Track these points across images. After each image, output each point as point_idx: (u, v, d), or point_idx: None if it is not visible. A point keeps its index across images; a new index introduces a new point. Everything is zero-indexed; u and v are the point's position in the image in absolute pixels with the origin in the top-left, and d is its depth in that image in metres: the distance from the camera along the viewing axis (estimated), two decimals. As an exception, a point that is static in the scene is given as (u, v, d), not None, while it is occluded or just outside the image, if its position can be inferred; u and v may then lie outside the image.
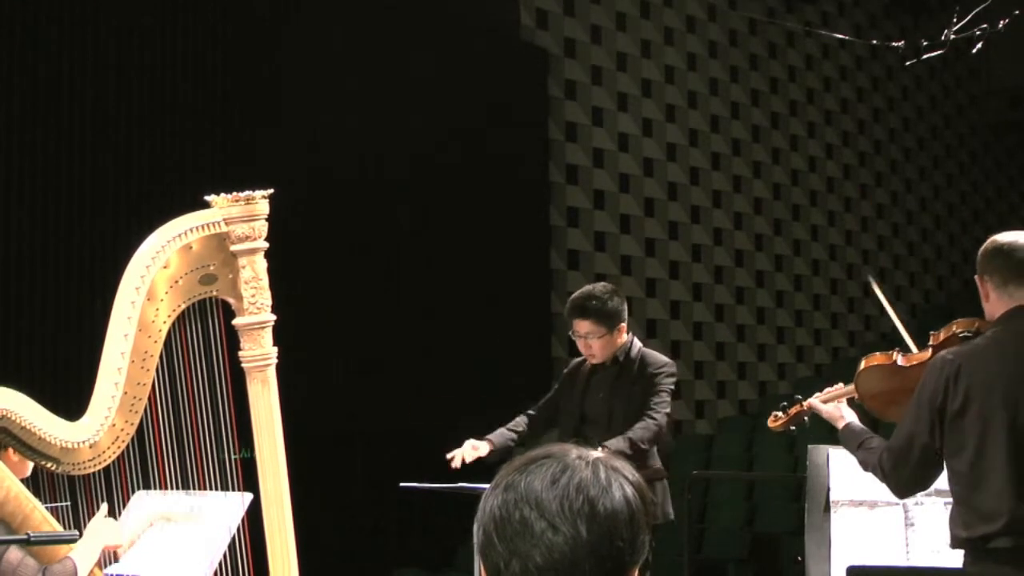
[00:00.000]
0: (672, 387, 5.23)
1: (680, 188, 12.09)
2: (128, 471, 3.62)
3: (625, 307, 5.27)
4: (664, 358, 5.32)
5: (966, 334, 3.74)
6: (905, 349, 4.00)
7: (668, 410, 5.17)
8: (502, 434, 5.37)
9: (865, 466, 3.80)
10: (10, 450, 3.53)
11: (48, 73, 7.35)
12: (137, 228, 3.62)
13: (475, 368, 9.02)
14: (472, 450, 5.24)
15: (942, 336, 3.83)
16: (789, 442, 10.52)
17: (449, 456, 5.27)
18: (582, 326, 5.19)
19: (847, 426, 3.94)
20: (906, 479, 3.64)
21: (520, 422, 5.43)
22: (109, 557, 3.74)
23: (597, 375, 5.31)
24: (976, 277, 3.68)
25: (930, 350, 3.83)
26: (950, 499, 3.91)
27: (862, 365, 3.98)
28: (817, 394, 4.18)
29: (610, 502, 1.60)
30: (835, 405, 4.06)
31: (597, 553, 1.58)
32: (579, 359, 5.44)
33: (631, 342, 5.27)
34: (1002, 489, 3.41)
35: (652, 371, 5.18)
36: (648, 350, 5.35)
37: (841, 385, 4.14)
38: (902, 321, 4.26)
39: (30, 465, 3.69)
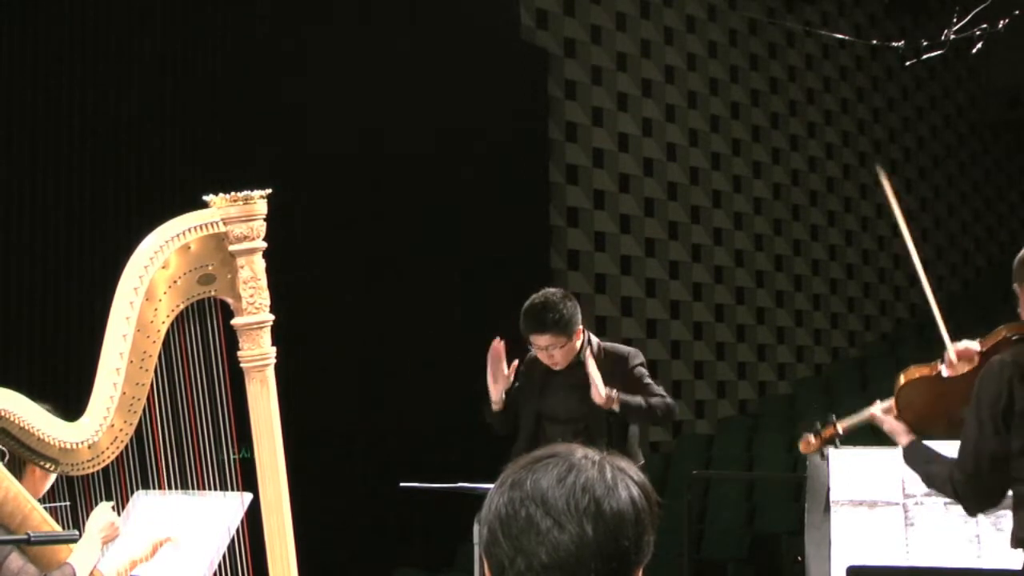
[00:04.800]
0: (647, 372, 5.22)
1: (680, 188, 12.09)
2: (127, 471, 3.61)
3: (579, 312, 5.16)
4: (627, 347, 5.30)
5: (1017, 337, 3.64)
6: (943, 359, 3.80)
7: (657, 387, 5.16)
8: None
9: (931, 482, 3.69)
10: (34, 468, 3.53)
11: (48, 72, 7.34)
12: (136, 228, 3.61)
13: (475, 368, 8.99)
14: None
15: (990, 342, 3.68)
16: (789, 442, 10.52)
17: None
18: (542, 340, 5.09)
19: (913, 442, 3.78)
20: (979, 493, 3.53)
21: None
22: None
23: (556, 373, 5.22)
24: (1015, 286, 3.61)
25: (976, 358, 3.69)
26: (951, 499, 3.89)
27: (902, 380, 3.81)
28: (873, 408, 3.92)
29: (616, 502, 1.61)
30: (896, 419, 3.84)
31: (603, 552, 1.58)
32: (532, 355, 5.31)
33: (587, 339, 5.19)
34: None
35: (626, 366, 5.13)
36: (608, 343, 5.29)
37: (878, 402, 3.91)
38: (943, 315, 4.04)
39: (50, 480, 3.68)
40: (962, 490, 3.54)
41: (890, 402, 3.86)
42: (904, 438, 3.80)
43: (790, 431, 10.86)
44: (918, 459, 3.75)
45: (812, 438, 4.10)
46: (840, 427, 4.04)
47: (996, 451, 3.45)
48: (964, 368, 3.70)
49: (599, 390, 4.96)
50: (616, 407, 4.99)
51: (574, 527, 1.58)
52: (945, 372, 3.74)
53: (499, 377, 5.25)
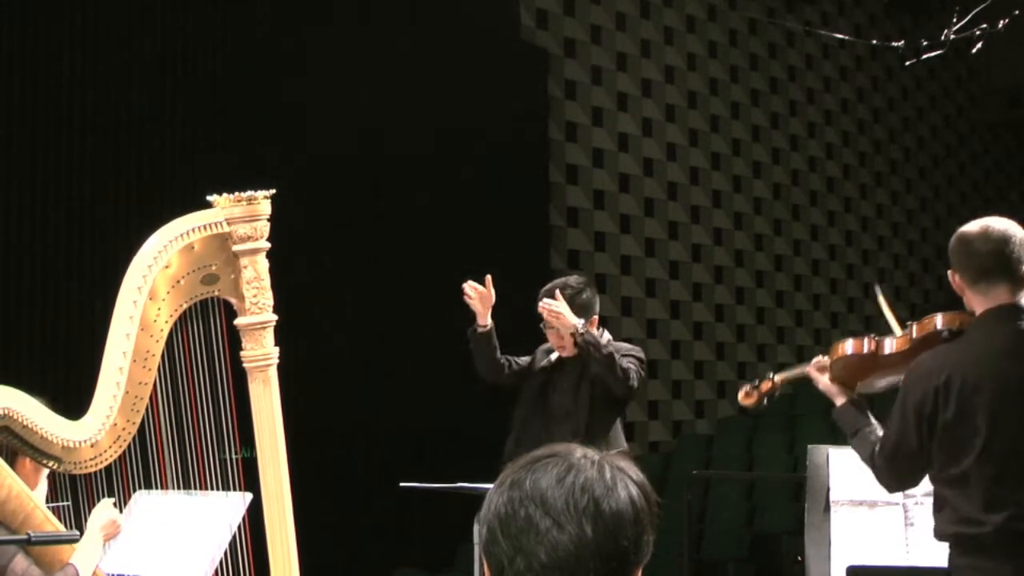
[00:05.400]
0: (639, 363, 5.14)
1: (680, 188, 12.10)
2: (129, 470, 3.62)
3: (597, 301, 5.23)
4: (632, 345, 5.30)
5: (947, 334, 3.66)
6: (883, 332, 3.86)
7: (636, 366, 5.07)
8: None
9: (855, 449, 3.74)
10: (26, 460, 3.53)
11: (48, 72, 7.35)
12: (139, 228, 3.62)
13: (476, 368, 8.99)
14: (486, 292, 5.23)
15: (927, 329, 3.70)
16: (789, 442, 10.53)
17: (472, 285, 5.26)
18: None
19: (844, 405, 3.81)
20: (896, 479, 3.61)
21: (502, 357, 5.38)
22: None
23: (564, 369, 5.23)
24: (949, 272, 3.65)
25: (909, 341, 3.72)
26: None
27: (837, 352, 3.83)
28: (809, 367, 3.96)
29: (615, 502, 1.61)
30: (831, 379, 3.86)
31: (602, 552, 1.59)
32: (546, 345, 5.34)
33: (601, 335, 5.18)
34: (989, 500, 3.36)
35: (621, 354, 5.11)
36: (617, 341, 5.28)
37: (816, 359, 3.94)
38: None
39: (44, 473, 3.68)
40: (880, 474, 3.60)
41: (825, 360, 3.88)
42: (838, 399, 3.82)
43: (790, 431, 10.88)
44: (848, 426, 3.78)
45: (751, 390, 4.24)
46: (777, 380, 4.15)
47: (915, 453, 3.48)
48: (901, 346, 3.73)
49: (568, 318, 4.96)
50: (578, 339, 4.97)
51: (573, 527, 1.58)
52: (882, 350, 3.75)
53: (486, 303, 5.27)
